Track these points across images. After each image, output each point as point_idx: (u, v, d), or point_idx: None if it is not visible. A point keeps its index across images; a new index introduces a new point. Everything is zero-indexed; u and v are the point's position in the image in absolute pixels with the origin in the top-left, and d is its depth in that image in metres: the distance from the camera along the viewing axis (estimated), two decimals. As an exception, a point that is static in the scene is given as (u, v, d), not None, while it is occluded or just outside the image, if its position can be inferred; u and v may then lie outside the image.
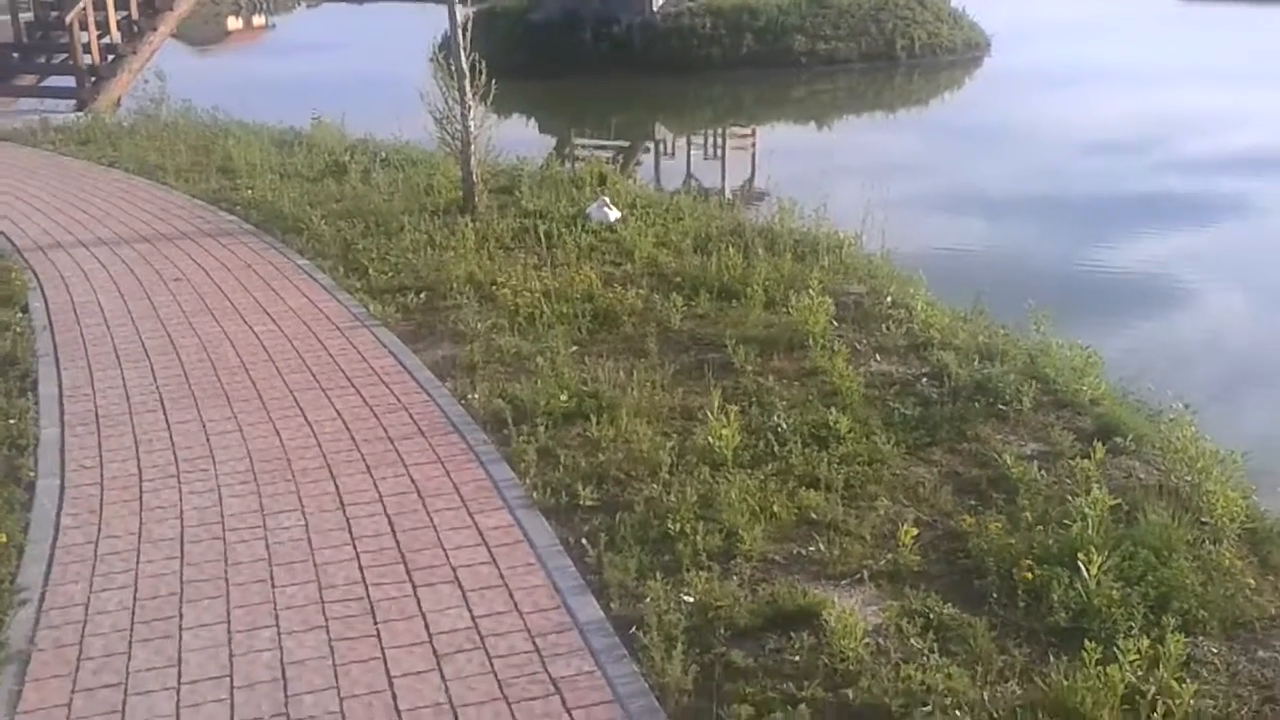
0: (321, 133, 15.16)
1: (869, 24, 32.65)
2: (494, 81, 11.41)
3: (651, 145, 25.73)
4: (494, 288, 8.84)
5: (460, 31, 11.06)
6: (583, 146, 23.62)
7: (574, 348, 7.66)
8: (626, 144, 24.51)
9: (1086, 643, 4.25)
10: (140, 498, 5.65)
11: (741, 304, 8.48)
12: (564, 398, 6.70)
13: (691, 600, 4.62)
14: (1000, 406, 6.75)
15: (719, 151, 24.78)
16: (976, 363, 7.31)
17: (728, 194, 16.49)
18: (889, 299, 8.60)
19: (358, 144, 14.60)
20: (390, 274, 9.36)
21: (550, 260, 9.73)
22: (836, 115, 30.29)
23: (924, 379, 7.17)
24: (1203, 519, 5.52)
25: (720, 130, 26.80)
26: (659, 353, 7.62)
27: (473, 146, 11.28)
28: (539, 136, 24.82)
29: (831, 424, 6.32)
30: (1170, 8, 53.18)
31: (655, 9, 31.44)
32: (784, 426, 6.36)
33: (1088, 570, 4.68)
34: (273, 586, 4.84)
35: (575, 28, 30.19)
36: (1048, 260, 12.96)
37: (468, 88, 11.17)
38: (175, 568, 5.00)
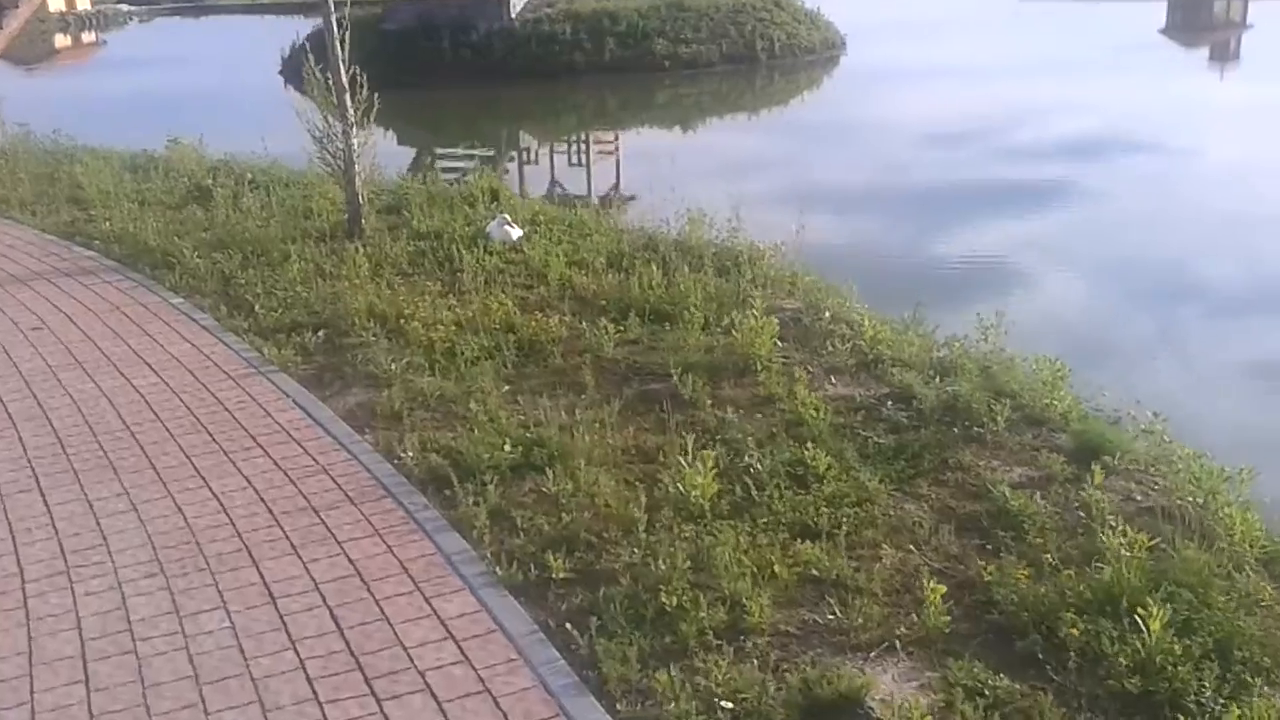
0: (179, 155, 14.03)
1: (728, 26, 32.48)
2: (376, 95, 10.54)
3: (515, 154, 25.11)
4: (401, 321, 8.03)
5: (339, 44, 10.17)
6: (445, 157, 22.98)
7: (505, 386, 6.91)
8: (491, 153, 23.83)
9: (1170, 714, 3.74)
10: (25, 605, 4.73)
11: (676, 327, 7.86)
12: (507, 447, 5.97)
13: (731, 708, 3.94)
14: (975, 429, 6.28)
15: (583, 158, 24.33)
16: (938, 380, 6.83)
17: (594, 199, 16.01)
18: (828, 314, 8.08)
19: (220, 165, 13.53)
20: (280, 310, 8.46)
21: (456, 287, 8.96)
22: (700, 118, 30.06)
23: (888, 402, 6.65)
24: (1219, 544, 5.10)
25: (584, 136, 26.34)
26: (597, 386, 6.94)
27: (357, 166, 10.41)
28: (398, 149, 23.86)
29: (809, 461, 5.74)
30: (1008, 5, 55.84)
31: (513, 15, 30.67)
32: (758, 467, 5.75)
33: (1146, 625, 4.18)
34: (206, 714, 4.00)
35: (431, 36, 29.24)
36: (894, 250, 12.94)
37: (349, 104, 10.29)
38: (80, 695, 4.12)
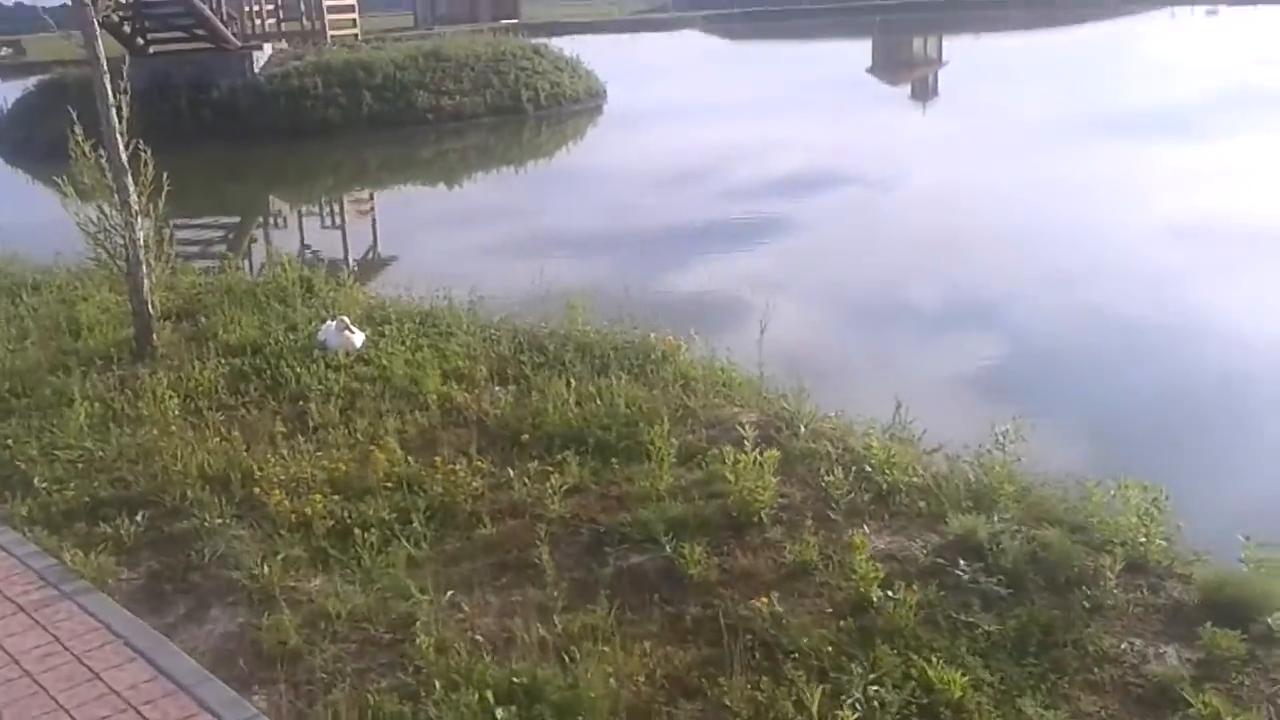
0: None
1: (491, 76, 30.79)
2: (166, 176, 8.27)
3: (262, 219, 22.74)
4: (251, 487, 5.88)
5: (115, 112, 7.86)
6: (185, 226, 20.32)
7: (446, 592, 4.91)
8: (237, 219, 21.46)
9: None
10: None
11: (626, 463, 6.06)
12: (490, 702, 4.01)
13: None
14: (1086, 591, 4.77)
15: (337, 220, 22.31)
16: (987, 518, 5.30)
17: (352, 264, 14.57)
18: (803, 427, 6.45)
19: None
20: (71, 482, 6.15)
21: (305, 423, 6.85)
22: (465, 173, 28.32)
23: (958, 560, 5.05)
24: None
25: (337, 199, 24.25)
26: (559, 568, 5.05)
27: (144, 268, 8.09)
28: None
29: (936, 685, 4.06)
30: (724, 47, 58.72)
31: (257, 70, 27.95)
32: (866, 703, 4.02)
33: None
34: None
35: (167, 95, 26.19)
36: (630, 286, 12.33)
37: (130, 187, 7.98)
38: None
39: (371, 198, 24.21)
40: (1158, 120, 24.21)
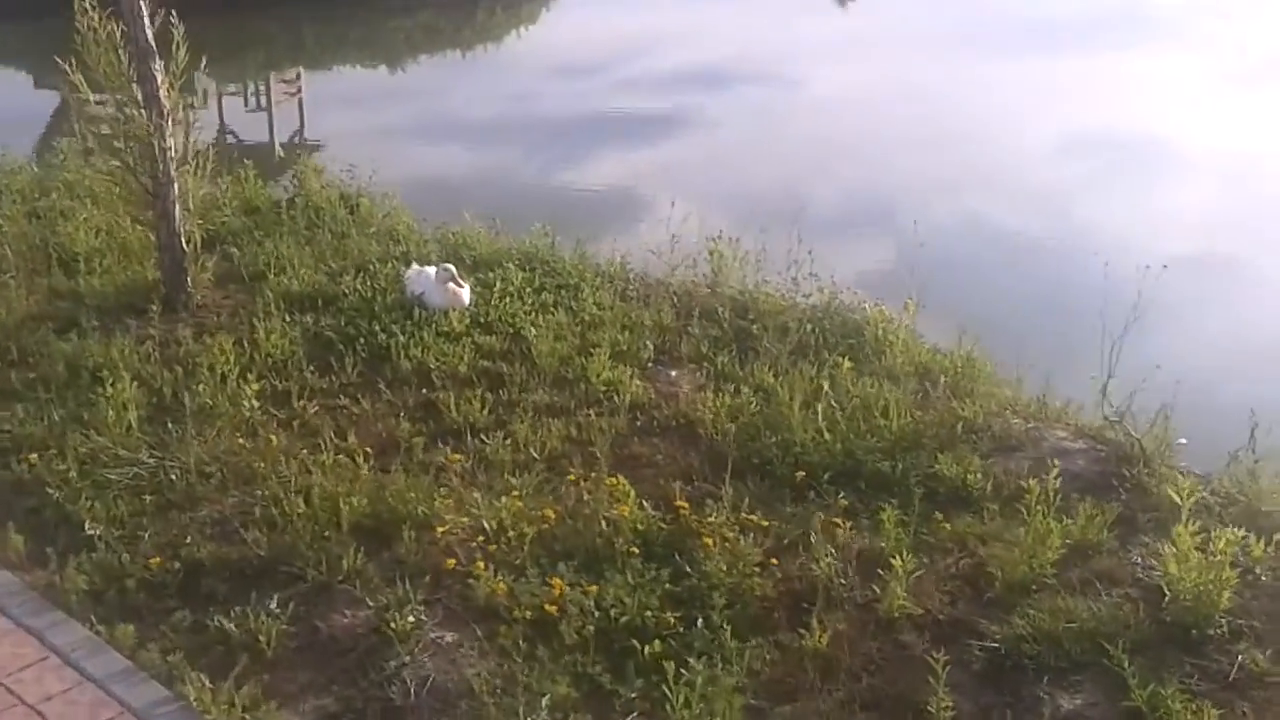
0: None
1: (443, -55, 27.99)
2: (206, 62, 6.12)
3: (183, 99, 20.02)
4: (428, 544, 4.00)
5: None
6: (91, 102, 17.67)
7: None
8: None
9: None
10: None
11: (948, 513, 4.31)
12: None
13: None
14: None
15: (261, 101, 19.84)
16: None
17: (278, 150, 13.40)
18: (1160, 466, 4.73)
19: None
20: (146, 529, 4.16)
21: (439, 423, 4.97)
22: (410, 55, 25.83)
23: None
24: None
25: (264, 79, 21.64)
26: None
27: (176, 187, 5.96)
28: (34, 97, 18.12)
29: None
30: None
31: (183, -74, 24.74)
32: None
33: None
34: None
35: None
36: (527, 179, 12.40)
37: (159, 76, 5.82)
38: None
39: (298, 77, 21.72)
40: (1067, 31, 22.92)
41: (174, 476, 4.43)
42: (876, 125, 14.72)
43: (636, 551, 3.97)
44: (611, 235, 7.67)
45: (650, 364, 5.66)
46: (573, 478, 4.46)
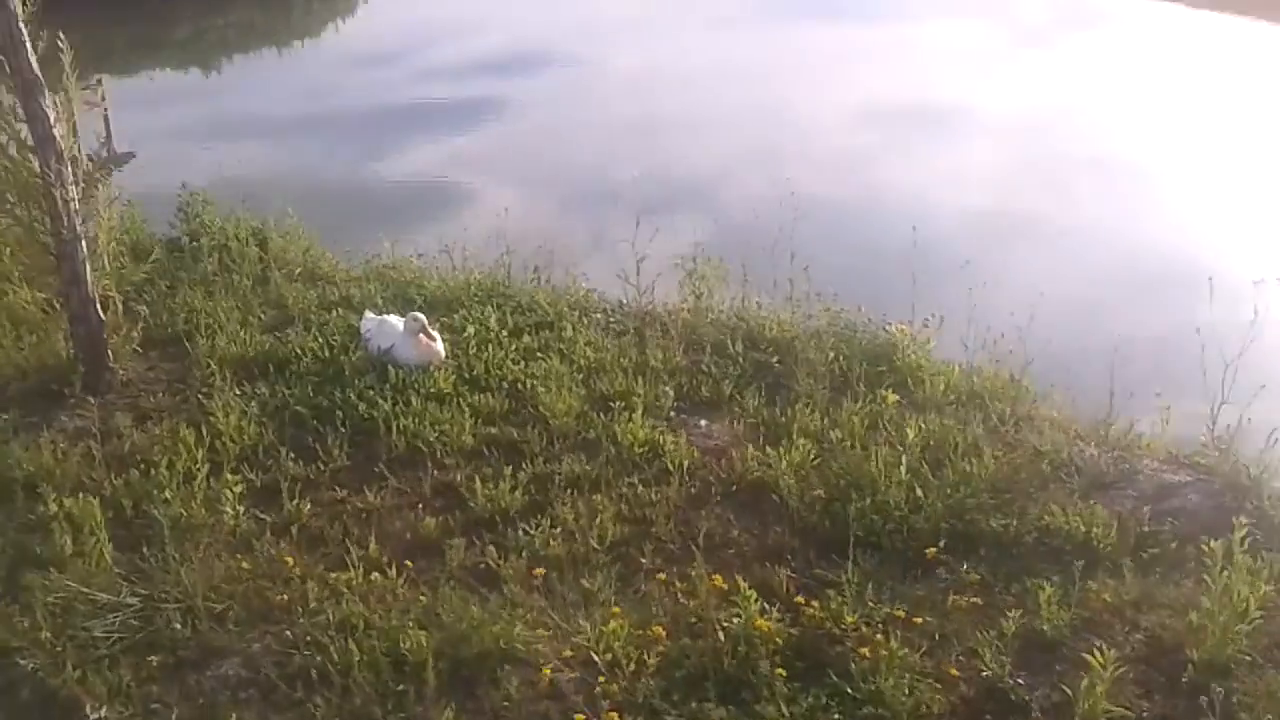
0: None
1: (253, -62, 26.40)
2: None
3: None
4: (530, 687, 3.28)
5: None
6: None
7: None
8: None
9: None
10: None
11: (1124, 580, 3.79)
12: None
13: None
14: None
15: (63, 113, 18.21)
16: None
17: (86, 161, 11.81)
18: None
19: None
20: None
21: (468, 517, 4.22)
22: (224, 55, 24.42)
23: None
24: None
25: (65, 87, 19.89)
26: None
27: (84, 244, 4.98)
28: None
29: None
30: None
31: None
32: None
33: None
34: None
35: None
36: (333, 174, 12.14)
37: (50, 113, 4.84)
38: None
39: (99, 82, 20.11)
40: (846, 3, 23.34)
41: (174, 621, 3.54)
42: (686, 103, 14.53)
43: (784, 672, 3.31)
44: (473, 238, 7.09)
45: (672, 413, 5.00)
46: (662, 578, 3.77)
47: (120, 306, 5.31)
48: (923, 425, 4.72)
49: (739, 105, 14.15)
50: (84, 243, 4.97)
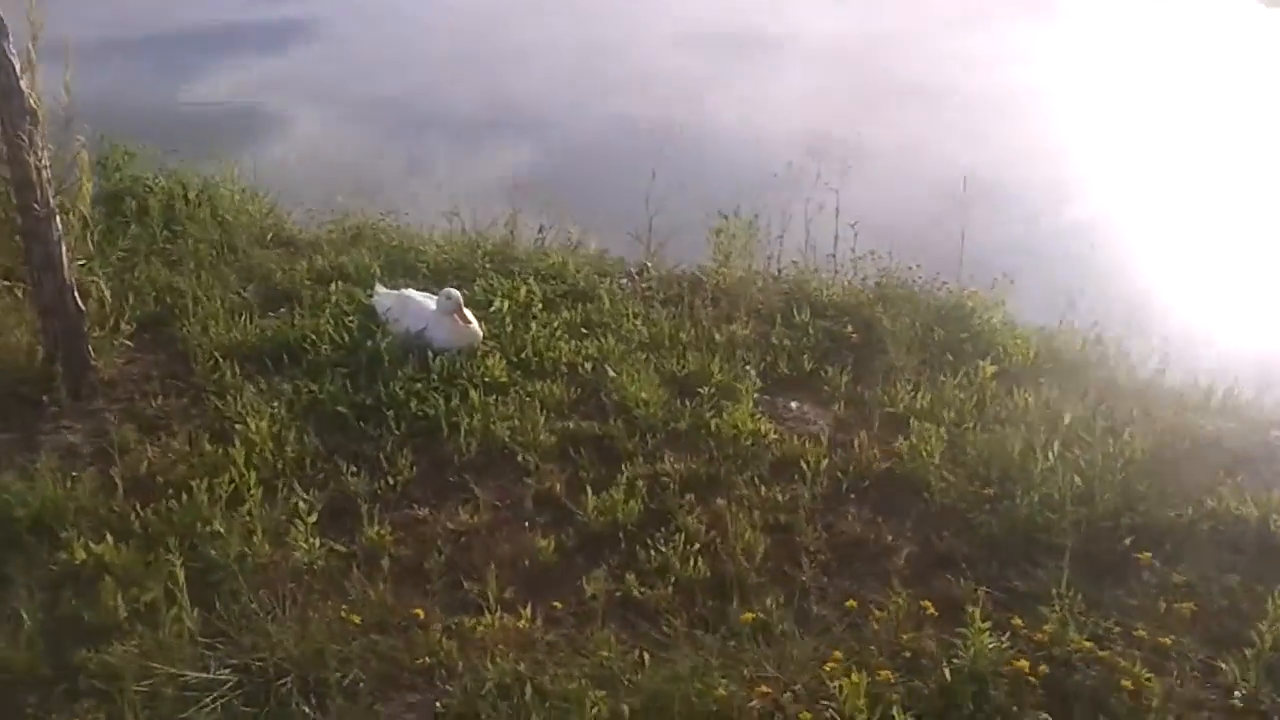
0: None
1: None
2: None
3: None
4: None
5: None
6: None
7: None
8: None
9: None
10: None
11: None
12: None
13: None
14: None
15: None
16: None
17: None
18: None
19: None
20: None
21: (580, 522, 3.62)
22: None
23: None
24: None
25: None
26: None
27: (59, 220, 4.13)
28: None
29: None
30: None
31: None
32: None
33: None
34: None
35: None
36: (138, 95, 11.26)
37: (14, 59, 3.96)
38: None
39: None
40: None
41: (296, 700, 2.85)
42: (509, 33, 14.30)
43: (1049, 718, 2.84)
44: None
45: (756, 393, 4.45)
46: (851, 603, 3.25)
47: (107, 293, 4.43)
48: (1030, 400, 4.31)
49: (564, 34, 14.01)
50: (58, 219, 4.10)
